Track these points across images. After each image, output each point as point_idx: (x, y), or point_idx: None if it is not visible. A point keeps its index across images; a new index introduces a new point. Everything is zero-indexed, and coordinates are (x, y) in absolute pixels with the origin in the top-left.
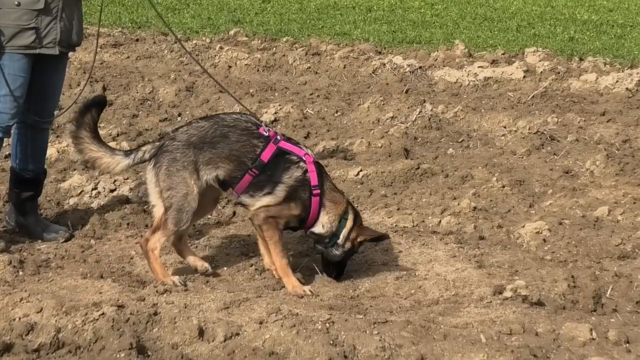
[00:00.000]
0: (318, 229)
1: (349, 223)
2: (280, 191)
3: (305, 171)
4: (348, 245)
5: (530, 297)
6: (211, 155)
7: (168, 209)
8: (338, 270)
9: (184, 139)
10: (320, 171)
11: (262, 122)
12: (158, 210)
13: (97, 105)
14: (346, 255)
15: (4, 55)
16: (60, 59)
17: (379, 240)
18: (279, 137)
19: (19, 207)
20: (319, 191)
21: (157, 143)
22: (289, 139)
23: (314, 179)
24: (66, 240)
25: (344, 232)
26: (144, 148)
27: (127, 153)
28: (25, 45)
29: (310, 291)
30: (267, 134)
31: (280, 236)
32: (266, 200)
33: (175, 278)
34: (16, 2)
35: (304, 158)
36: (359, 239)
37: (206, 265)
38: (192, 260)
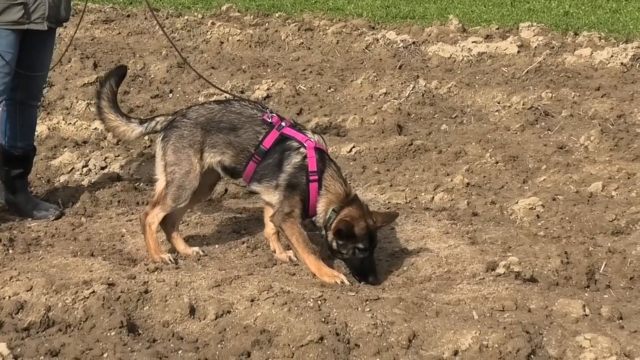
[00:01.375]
0: (315, 217)
1: (335, 214)
2: (283, 181)
3: (305, 157)
4: (330, 237)
5: (523, 274)
6: (217, 139)
7: (169, 184)
8: (356, 272)
9: (193, 118)
10: (322, 158)
11: (267, 108)
12: (160, 184)
13: (117, 76)
14: (337, 250)
15: None
16: (48, 34)
17: (348, 234)
18: (283, 124)
19: (8, 185)
20: (316, 177)
21: (170, 117)
22: (294, 125)
23: (312, 165)
24: (56, 218)
25: (329, 223)
26: (157, 119)
27: (141, 122)
28: (13, 21)
29: (343, 281)
30: (270, 120)
31: (300, 230)
32: (277, 197)
33: (167, 256)
34: None
35: (305, 144)
36: (334, 229)
37: (196, 249)
38: (180, 247)
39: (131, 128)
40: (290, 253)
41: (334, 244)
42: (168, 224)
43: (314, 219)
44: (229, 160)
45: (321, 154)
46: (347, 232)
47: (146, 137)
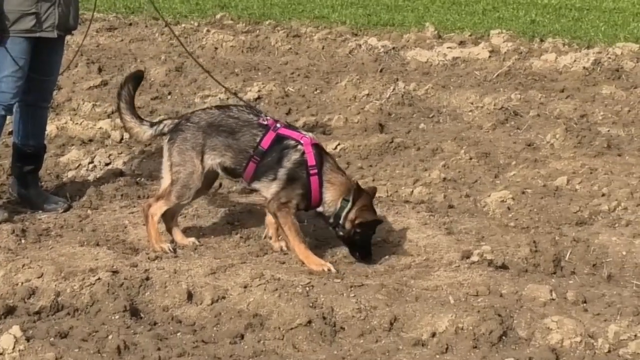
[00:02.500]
0: (321, 208)
1: (350, 205)
2: (283, 175)
3: (303, 153)
4: (348, 225)
5: (495, 261)
6: (217, 142)
7: (174, 182)
8: (359, 252)
9: (196, 122)
10: (319, 152)
11: (261, 112)
12: (165, 182)
13: (134, 80)
14: (352, 236)
15: (7, 39)
16: (58, 42)
17: (372, 225)
18: (278, 125)
19: (21, 180)
20: (316, 170)
21: (176, 120)
22: (288, 126)
23: (310, 159)
24: (65, 211)
25: (344, 213)
26: (164, 122)
27: (152, 124)
28: (26, 29)
29: (330, 269)
30: (266, 123)
31: (293, 221)
32: (274, 187)
33: (166, 245)
34: None
35: (301, 141)
36: (357, 221)
37: (193, 240)
38: (178, 238)
39: (143, 130)
40: (282, 244)
41: (352, 232)
42: (168, 217)
43: (320, 209)
44: (229, 162)
45: (318, 149)
46: (371, 222)
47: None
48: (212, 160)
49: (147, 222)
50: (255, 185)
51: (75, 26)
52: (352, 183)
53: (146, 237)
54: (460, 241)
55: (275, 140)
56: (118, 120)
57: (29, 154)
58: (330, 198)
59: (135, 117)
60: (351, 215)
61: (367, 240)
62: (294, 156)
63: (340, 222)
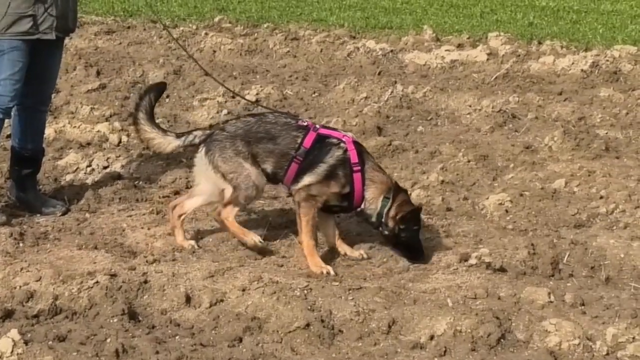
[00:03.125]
0: (362, 206)
1: (390, 202)
2: (322, 170)
3: (345, 150)
4: (391, 223)
5: (494, 264)
6: (257, 150)
7: (237, 188)
8: (409, 252)
9: (232, 131)
10: (361, 150)
11: (299, 117)
12: (227, 192)
13: (156, 91)
14: (397, 234)
15: (4, 42)
16: (56, 44)
17: (413, 216)
18: (317, 126)
19: (19, 183)
20: (359, 168)
21: (208, 131)
22: (326, 127)
23: (353, 157)
24: (63, 214)
25: (385, 211)
26: (195, 133)
27: (178, 135)
28: (23, 32)
29: (329, 272)
30: (305, 124)
31: (314, 216)
32: (308, 179)
33: (257, 237)
34: None
35: (343, 139)
36: (398, 216)
37: (192, 242)
38: (180, 240)
39: (167, 141)
40: (362, 251)
41: (396, 229)
42: (176, 216)
43: (362, 208)
44: (271, 167)
45: (359, 147)
46: (413, 216)
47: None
48: (260, 167)
49: (226, 226)
50: (294, 187)
51: (74, 28)
52: (392, 182)
53: (144, 240)
54: (458, 244)
55: (316, 140)
56: (116, 124)
57: (27, 158)
58: (372, 196)
59: (157, 128)
60: (392, 212)
61: (413, 237)
62: (337, 153)
63: (383, 220)
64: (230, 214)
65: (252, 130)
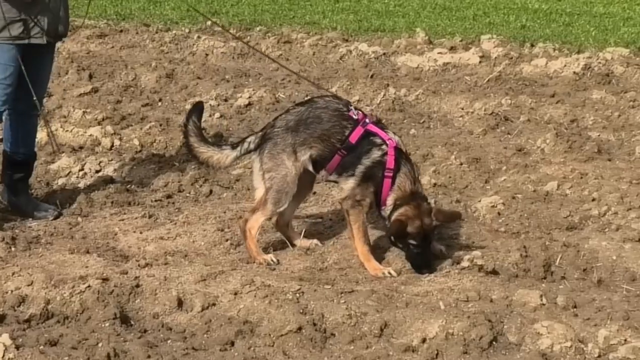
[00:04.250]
0: (384, 209)
1: (393, 208)
2: (360, 172)
3: (385, 154)
4: (389, 231)
5: (486, 267)
6: (305, 135)
7: (269, 190)
8: (411, 260)
9: (282, 125)
10: (400, 157)
11: (350, 104)
12: (259, 193)
13: (197, 111)
14: (392, 242)
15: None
16: (48, 48)
17: (399, 224)
18: (367, 120)
19: (11, 187)
20: (391, 174)
21: (260, 133)
22: (378, 123)
23: (390, 162)
24: (55, 218)
25: (390, 213)
26: (248, 139)
27: (234, 146)
28: (14, 36)
29: (390, 273)
30: (356, 117)
31: (364, 221)
32: (350, 183)
33: (269, 256)
34: None
35: (387, 142)
36: (392, 218)
37: (315, 241)
38: (298, 242)
39: (225, 155)
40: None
41: (391, 238)
42: (282, 225)
43: (382, 210)
44: (317, 153)
45: (400, 153)
46: (398, 232)
47: (137, 142)
48: (304, 156)
49: (246, 237)
50: (335, 177)
51: (66, 33)
52: (416, 191)
53: (136, 244)
54: (450, 247)
55: (362, 136)
56: (108, 128)
57: (19, 162)
58: (390, 201)
59: (211, 145)
60: (394, 215)
61: (406, 248)
62: (375, 154)
63: (387, 223)
64: (256, 225)
65: (302, 118)
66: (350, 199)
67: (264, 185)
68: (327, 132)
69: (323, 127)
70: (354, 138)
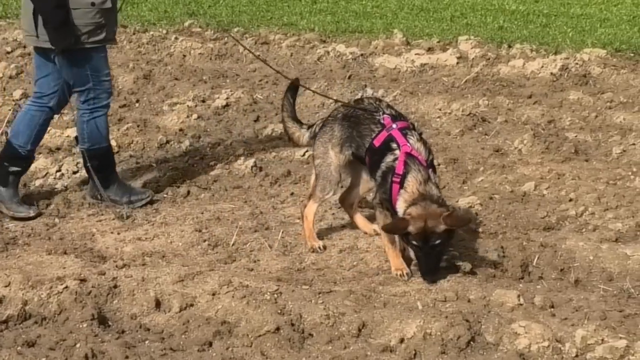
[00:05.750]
0: (397, 214)
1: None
2: (379, 176)
3: (396, 159)
4: None
5: (464, 267)
6: (348, 132)
7: (317, 176)
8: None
9: (335, 115)
10: (411, 162)
11: (381, 108)
12: (312, 178)
13: (293, 89)
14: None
15: (83, 51)
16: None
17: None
18: (393, 126)
19: (1, 178)
20: (399, 180)
21: (322, 120)
22: (403, 129)
23: (399, 167)
24: (36, 216)
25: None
26: (317, 123)
27: (309, 127)
28: (98, 40)
29: (408, 274)
30: (382, 121)
31: (386, 221)
32: (374, 185)
33: (319, 243)
34: (91, 2)
35: (401, 147)
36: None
37: (375, 227)
38: (362, 224)
39: (302, 133)
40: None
41: (402, 238)
42: (347, 206)
43: (397, 214)
44: (355, 151)
45: (411, 159)
46: (394, 229)
47: (114, 143)
48: (347, 150)
49: (303, 222)
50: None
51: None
52: (426, 195)
53: (114, 245)
54: None
55: (384, 141)
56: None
57: (22, 156)
58: (400, 205)
59: (296, 123)
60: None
61: (416, 252)
62: (389, 159)
63: None
64: (311, 211)
65: (348, 114)
66: (375, 200)
67: (314, 172)
68: (361, 133)
69: (358, 128)
70: (377, 142)
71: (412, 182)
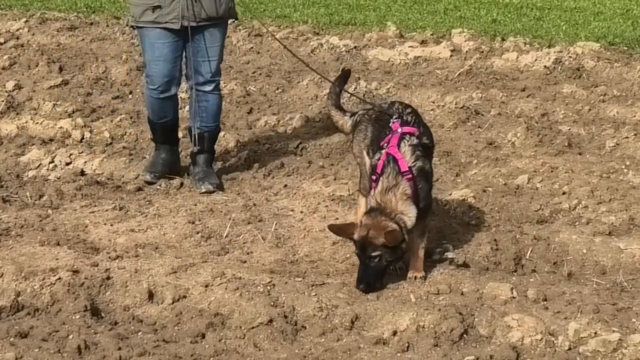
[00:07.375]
0: None
1: None
2: (368, 168)
3: (379, 158)
4: None
5: (457, 260)
6: (377, 134)
7: (360, 174)
8: None
9: (370, 114)
10: (387, 164)
11: (399, 115)
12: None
13: (342, 78)
14: None
15: (141, 29)
16: (206, 29)
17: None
18: (399, 130)
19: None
20: (376, 177)
21: (362, 111)
22: (405, 134)
23: (378, 167)
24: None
25: None
26: (359, 112)
27: (351, 115)
28: (151, 21)
29: (422, 278)
30: (392, 126)
31: None
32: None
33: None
34: None
35: (388, 148)
36: None
37: None
38: None
39: (345, 121)
40: None
41: None
42: None
43: None
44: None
45: (393, 161)
46: (339, 232)
47: (107, 135)
48: (375, 150)
49: (356, 213)
50: None
51: (216, 15)
52: (380, 202)
53: (107, 237)
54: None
55: (385, 141)
56: (79, 120)
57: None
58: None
59: (340, 111)
60: None
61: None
62: (376, 157)
63: None
64: (361, 204)
65: (379, 117)
66: (360, 186)
67: (359, 168)
68: (379, 136)
69: (379, 131)
70: (382, 143)
71: (379, 188)
